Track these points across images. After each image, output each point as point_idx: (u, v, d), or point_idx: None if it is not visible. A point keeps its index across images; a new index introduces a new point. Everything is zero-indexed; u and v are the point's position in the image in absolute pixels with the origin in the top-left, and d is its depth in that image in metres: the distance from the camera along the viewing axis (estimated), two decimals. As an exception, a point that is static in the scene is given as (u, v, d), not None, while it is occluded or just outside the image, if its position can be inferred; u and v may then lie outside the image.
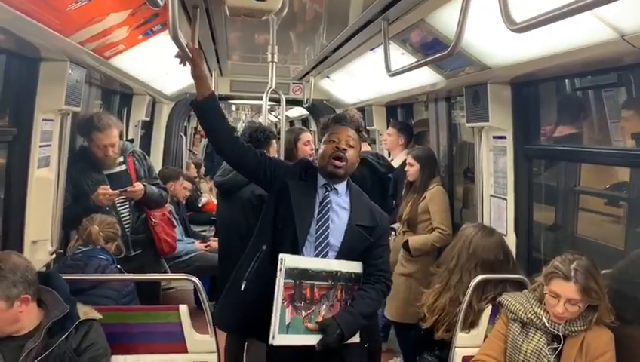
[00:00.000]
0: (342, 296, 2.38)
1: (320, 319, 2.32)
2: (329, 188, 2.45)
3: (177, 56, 2.31)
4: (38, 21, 1.94)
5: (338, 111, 5.54)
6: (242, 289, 2.38)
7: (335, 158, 2.41)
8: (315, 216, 2.39)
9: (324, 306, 2.33)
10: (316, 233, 2.37)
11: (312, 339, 2.30)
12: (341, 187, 2.48)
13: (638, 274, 2.40)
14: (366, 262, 2.45)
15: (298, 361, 2.38)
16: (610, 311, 2.19)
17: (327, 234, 2.38)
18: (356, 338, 2.42)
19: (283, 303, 2.25)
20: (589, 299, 2.14)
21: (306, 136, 3.68)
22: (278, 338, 2.24)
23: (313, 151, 3.70)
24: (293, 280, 2.27)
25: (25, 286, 2.01)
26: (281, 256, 2.27)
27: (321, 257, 2.37)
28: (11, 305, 1.98)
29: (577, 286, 2.12)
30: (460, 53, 2.59)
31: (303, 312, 2.29)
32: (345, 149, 2.43)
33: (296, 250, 2.33)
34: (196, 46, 2.50)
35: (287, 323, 2.26)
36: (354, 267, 2.42)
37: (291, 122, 12.23)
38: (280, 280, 2.24)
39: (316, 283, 2.31)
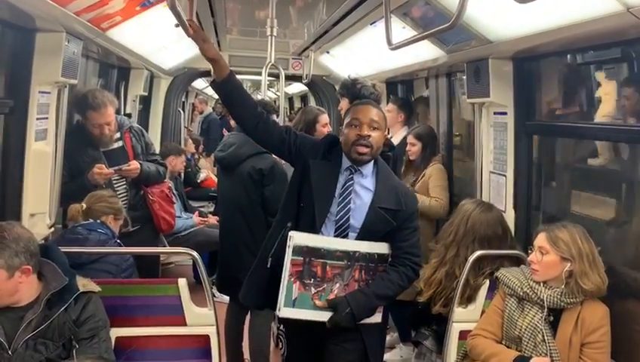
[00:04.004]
0: (360, 277, 2.34)
1: (332, 297, 2.30)
2: (354, 170, 2.37)
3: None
4: (33, -12, 1.91)
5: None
6: (268, 266, 2.37)
7: (359, 146, 2.31)
8: (337, 196, 2.33)
9: (337, 285, 2.31)
10: (337, 214, 2.33)
11: (321, 316, 2.30)
12: (367, 169, 2.39)
13: (633, 249, 2.42)
14: (392, 245, 2.39)
15: (316, 337, 2.41)
16: (589, 278, 2.19)
17: (349, 216, 2.33)
18: (377, 319, 2.41)
19: (290, 279, 2.26)
20: (557, 249, 2.23)
21: (324, 118, 3.63)
22: (284, 311, 2.27)
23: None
24: (301, 258, 2.26)
25: (27, 257, 2.00)
26: (290, 233, 2.27)
27: (341, 237, 2.34)
28: (12, 275, 1.97)
29: (546, 234, 2.27)
30: (462, 27, 2.57)
31: (313, 289, 2.29)
32: (368, 135, 2.30)
33: (315, 229, 2.32)
34: (194, 18, 2.45)
35: (293, 298, 2.27)
36: (378, 248, 2.37)
37: (290, 99, 12.15)
38: (288, 256, 2.25)
39: (329, 261, 2.29)
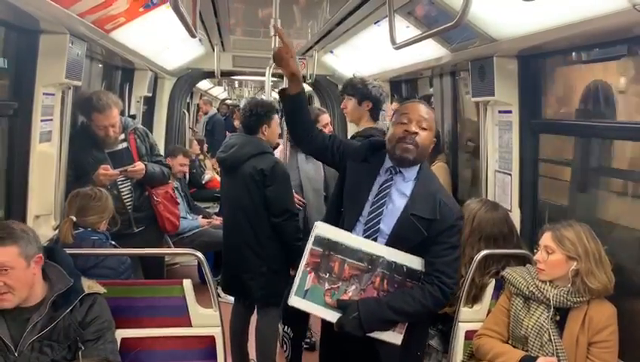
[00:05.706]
0: (382, 286, 2.20)
1: (344, 298, 2.19)
2: (394, 172, 2.27)
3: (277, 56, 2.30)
4: (37, -10, 1.92)
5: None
6: None
7: (404, 143, 2.21)
8: (371, 198, 2.24)
9: (353, 287, 2.19)
10: (368, 216, 2.23)
11: (329, 315, 2.20)
12: (410, 172, 2.27)
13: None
14: (424, 259, 2.23)
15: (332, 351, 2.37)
16: (596, 277, 2.18)
17: (379, 219, 2.22)
18: (396, 339, 2.24)
19: (306, 268, 2.19)
20: (563, 248, 2.22)
21: (325, 118, 3.62)
22: (294, 300, 2.19)
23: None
24: (321, 249, 2.19)
25: (38, 246, 2.04)
26: (315, 222, 2.23)
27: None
28: (29, 265, 1.99)
29: (552, 232, 2.27)
30: (466, 26, 2.56)
31: (326, 284, 2.19)
32: (416, 133, 2.19)
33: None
34: (197, 19, 2.45)
35: (306, 289, 2.19)
36: (409, 260, 2.22)
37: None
38: (308, 244, 2.20)
39: (348, 260, 2.19)
